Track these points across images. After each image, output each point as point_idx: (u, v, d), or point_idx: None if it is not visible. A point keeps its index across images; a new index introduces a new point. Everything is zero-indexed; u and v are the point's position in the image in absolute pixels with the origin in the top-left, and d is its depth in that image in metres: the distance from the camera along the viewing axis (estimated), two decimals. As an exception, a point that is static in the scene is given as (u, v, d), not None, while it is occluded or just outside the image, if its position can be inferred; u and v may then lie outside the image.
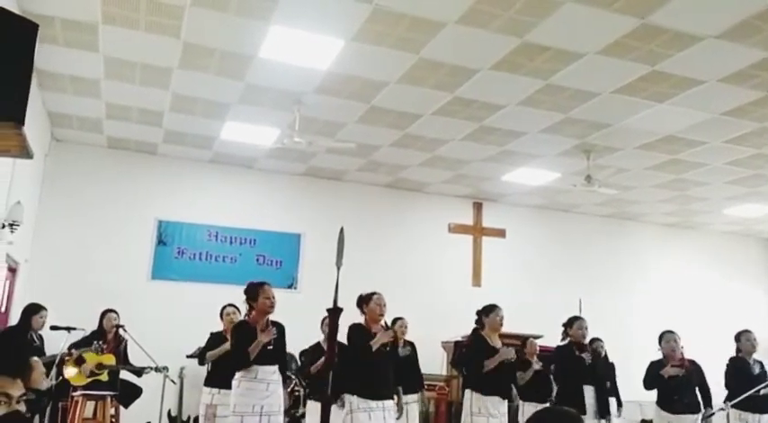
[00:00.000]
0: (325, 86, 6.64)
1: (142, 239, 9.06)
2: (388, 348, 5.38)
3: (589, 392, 6.13)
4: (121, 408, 7.40)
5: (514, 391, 6.47)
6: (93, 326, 7.14)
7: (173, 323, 8.37)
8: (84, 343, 6.85)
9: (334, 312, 4.27)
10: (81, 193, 8.85)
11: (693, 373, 6.19)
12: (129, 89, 6.99)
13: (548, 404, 6.72)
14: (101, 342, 6.81)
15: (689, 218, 11.49)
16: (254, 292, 5.23)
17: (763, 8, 4.85)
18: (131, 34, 5.75)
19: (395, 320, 6.91)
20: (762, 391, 6.25)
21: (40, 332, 7.00)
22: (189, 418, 7.90)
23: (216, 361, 6.46)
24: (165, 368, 6.76)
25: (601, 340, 8.06)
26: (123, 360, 7.13)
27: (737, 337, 6.60)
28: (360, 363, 5.23)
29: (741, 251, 12.43)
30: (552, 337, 7.00)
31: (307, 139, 7.11)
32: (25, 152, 3.18)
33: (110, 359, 6.86)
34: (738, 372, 6.40)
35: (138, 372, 7.07)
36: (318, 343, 6.45)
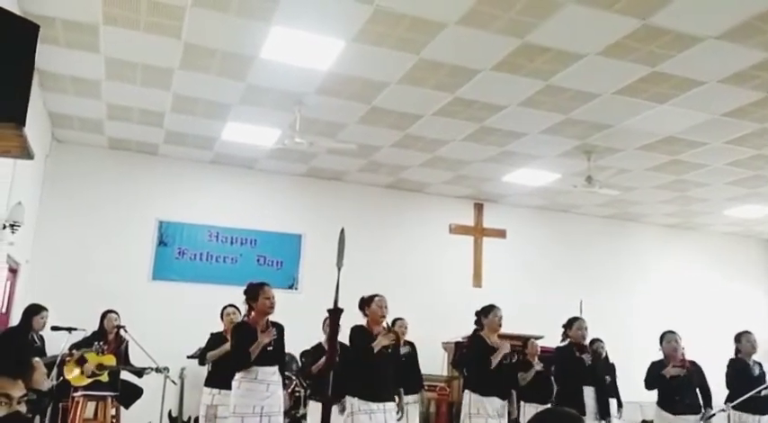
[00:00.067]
0: (325, 87, 6.64)
1: (143, 240, 9.07)
2: (389, 350, 5.38)
3: (589, 393, 6.13)
4: (122, 408, 7.40)
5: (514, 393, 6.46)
6: (94, 326, 7.15)
7: (173, 324, 8.37)
8: (85, 343, 6.86)
9: (335, 313, 4.27)
10: (82, 194, 8.86)
11: (694, 374, 6.18)
12: (130, 90, 7.00)
13: (549, 405, 6.72)
14: (101, 343, 6.82)
15: (689, 219, 11.49)
16: (254, 292, 5.23)
17: (764, 9, 4.85)
18: (132, 35, 5.76)
19: (395, 321, 6.91)
20: (762, 393, 6.25)
21: (40, 333, 7.01)
22: (189, 418, 7.90)
23: (216, 361, 6.46)
24: (166, 369, 6.76)
25: (601, 341, 8.06)
26: (124, 360, 7.13)
27: (738, 338, 6.59)
28: (361, 364, 5.24)
29: (742, 252, 12.43)
30: (553, 338, 7.00)
31: (307, 140, 7.11)
32: (26, 153, 3.18)
33: (110, 360, 6.86)
34: (739, 373, 6.39)
35: (139, 372, 7.07)
36: (320, 343, 6.46)
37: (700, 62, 5.71)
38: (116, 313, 7.23)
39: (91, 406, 6.97)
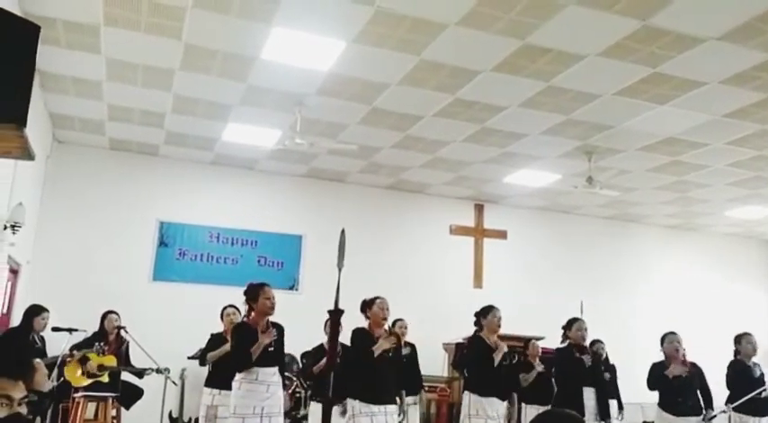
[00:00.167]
0: (326, 88, 6.64)
1: (143, 241, 9.07)
2: (390, 354, 5.38)
3: (589, 394, 6.13)
4: (122, 409, 7.40)
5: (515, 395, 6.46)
6: (95, 327, 7.15)
7: (174, 324, 8.37)
8: (86, 344, 6.87)
9: (335, 314, 4.26)
10: (83, 195, 8.86)
11: (695, 376, 6.18)
12: (130, 91, 7.00)
13: (550, 406, 6.71)
14: (102, 343, 6.83)
15: (691, 220, 11.48)
16: (255, 292, 5.23)
17: (765, 10, 4.85)
18: (133, 36, 5.76)
19: (395, 322, 6.91)
20: (763, 394, 6.25)
21: (41, 334, 7.01)
22: (190, 419, 7.89)
23: (216, 362, 6.45)
24: (167, 369, 6.76)
25: (602, 342, 8.06)
26: (125, 361, 7.14)
27: (738, 340, 6.59)
28: (362, 367, 5.24)
29: (743, 253, 12.42)
30: (554, 339, 6.99)
31: (308, 141, 7.11)
32: (27, 154, 3.18)
33: (111, 360, 6.87)
34: (739, 375, 6.39)
35: (140, 373, 7.08)
36: (321, 344, 6.46)
37: (700, 63, 5.71)
38: (117, 314, 7.24)
39: (91, 407, 6.97)
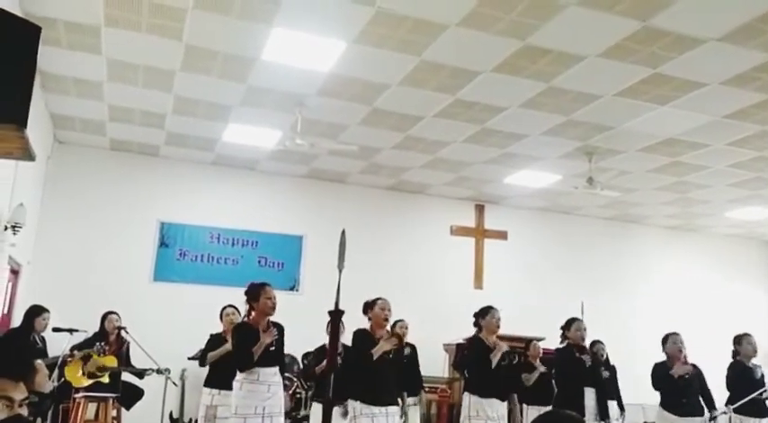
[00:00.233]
0: (327, 88, 6.64)
1: (144, 241, 9.07)
2: (391, 355, 5.37)
3: (589, 395, 6.12)
4: (123, 410, 7.40)
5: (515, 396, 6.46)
6: (95, 328, 7.16)
7: (174, 325, 8.37)
8: (87, 345, 6.87)
9: (336, 314, 4.27)
10: (83, 195, 8.86)
11: (696, 376, 6.18)
12: (131, 91, 7.01)
13: (551, 407, 6.71)
14: (103, 344, 6.83)
15: (691, 220, 11.48)
16: (256, 292, 5.22)
17: (765, 11, 4.85)
18: (134, 36, 5.76)
19: (395, 322, 6.91)
20: (764, 395, 6.24)
21: (42, 334, 7.01)
22: (190, 420, 7.89)
23: (215, 362, 6.45)
24: (167, 370, 6.76)
25: (602, 343, 8.05)
26: (125, 362, 7.14)
27: (738, 341, 6.58)
28: (363, 368, 5.24)
29: (743, 253, 12.41)
30: (554, 340, 6.99)
31: (309, 141, 7.11)
32: (27, 154, 3.18)
33: (111, 361, 6.87)
34: (740, 376, 6.39)
35: (140, 373, 7.07)
36: (323, 345, 6.44)
37: (701, 64, 5.71)
38: (117, 314, 7.24)
39: (92, 407, 6.97)
